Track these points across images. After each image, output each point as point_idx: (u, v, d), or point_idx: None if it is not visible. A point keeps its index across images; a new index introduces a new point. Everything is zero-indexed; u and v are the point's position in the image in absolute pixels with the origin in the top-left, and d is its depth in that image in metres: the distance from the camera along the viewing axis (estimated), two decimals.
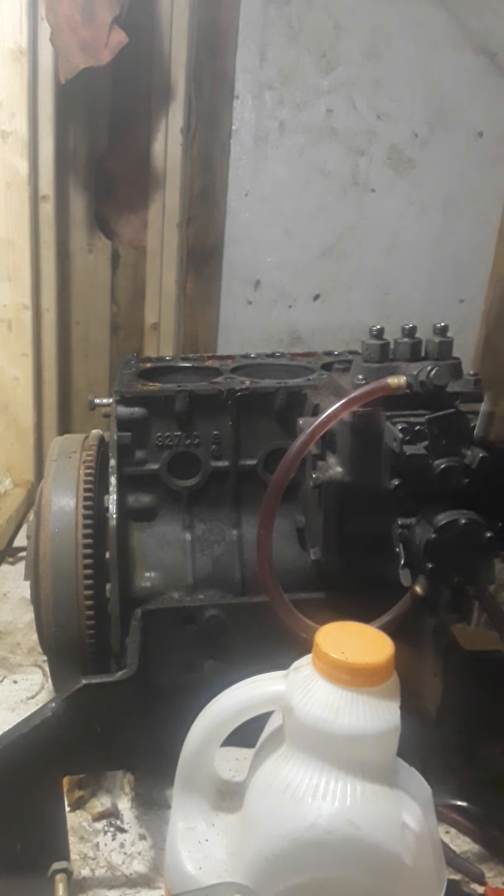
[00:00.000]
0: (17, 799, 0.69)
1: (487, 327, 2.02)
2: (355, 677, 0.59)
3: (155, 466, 0.92)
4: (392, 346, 0.78)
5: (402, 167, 1.94)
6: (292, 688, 0.61)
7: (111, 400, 0.96)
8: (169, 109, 1.70)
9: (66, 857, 0.72)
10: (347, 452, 0.77)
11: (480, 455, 0.72)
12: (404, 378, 0.73)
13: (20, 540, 1.50)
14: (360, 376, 0.76)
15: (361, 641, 0.61)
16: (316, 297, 2.00)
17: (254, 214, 1.91)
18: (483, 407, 0.72)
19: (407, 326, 0.79)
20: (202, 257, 1.87)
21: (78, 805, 0.85)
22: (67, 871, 0.70)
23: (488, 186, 1.97)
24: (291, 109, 1.87)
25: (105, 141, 1.73)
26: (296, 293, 1.99)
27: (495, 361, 1.93)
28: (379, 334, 0.78)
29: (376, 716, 0.58)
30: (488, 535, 0.72)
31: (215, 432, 0.92)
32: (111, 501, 0.87)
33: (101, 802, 0.86)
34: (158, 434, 0.92)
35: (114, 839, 0.82)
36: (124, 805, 0.86)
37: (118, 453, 0.90)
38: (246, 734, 0.66)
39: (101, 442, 0.98)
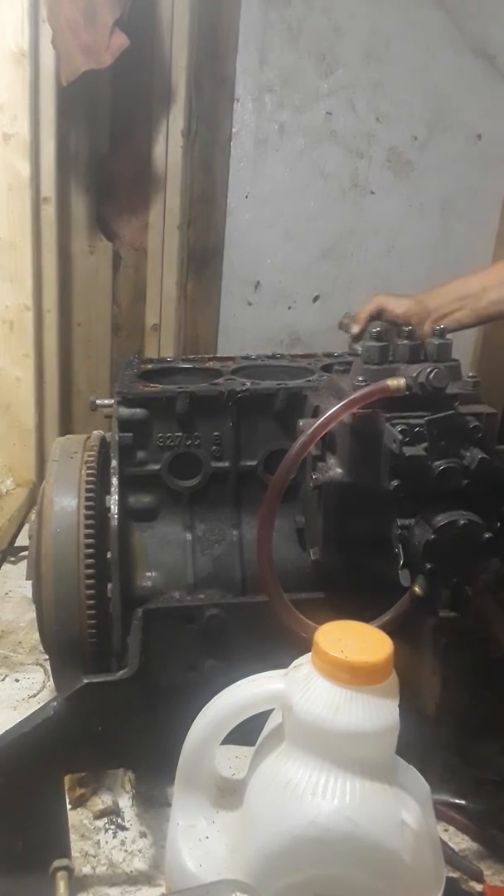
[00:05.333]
0: (19, 797, 0.69)
1: (485, 329, 2.03)
2: (355, 676, 0.59)
3: (156, 467, 0.93)
4: (392, 348, 0.79)
5: (401, 169, 1.95)
6: (292, 686, 0.62)
7: (112, 401, 0.96)
8: (170, 112, 1.70)
9: (68, 855, 0.72)
10: (347, 454, 0.77)
11: (479, 456, 0.73)
12: (404, 380, 0.73)
13: (22, 539, 1.50)
14: (360, 378, 0.77)
15: (361, 640, 0.62)
16: (315, 299, 2.01)
17: (254, 216, 1.92)
18: None
19: (406, 328, 0.80)
20: (203, 259, 1.88)
21: (79, 803, 0.86)
22: (68, 869, 0.71)
23: (487, 188, 1.98)
24: (291, 112, 1.88)
25: (106, 143, 1.73)
26: (295, 294, 2.00)
27: (493, 363, 1.93)
28: (379, 336, 0.79)
29: (375, 714, 0.59)
30: (487, 535, 0.73)
31: (216, 433, 0.93)
32: (113, 502, 0.88)
33: (102, 800, 0.87)
34: (159, 435, 0.92)
35: (115, 837, 0.82)
36: (125, 803, 0.86)
37: (119, 454, 0.90)
38: (246, 732, 0.66)
39: (103, 443, 0.99)
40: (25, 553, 1.40)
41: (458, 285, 1.14)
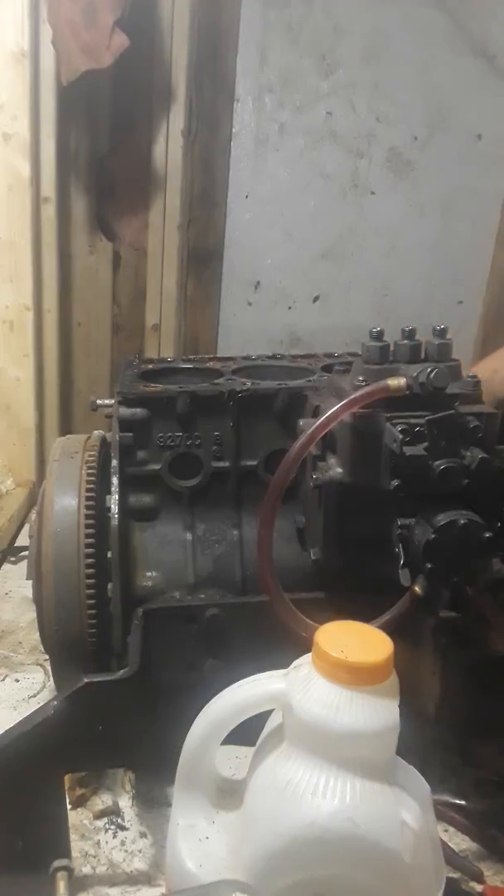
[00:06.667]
0: (19, 797, 0.69)
1: (486, 329, 2.03)
2: (355, 676, 0.59)
3: (156, 467, 0.93)
4: (392, 347, 0.79)
5: (401, 169, 1.95)
6: (292, 686, 0.62)
7: (113, 401, 0.96)
8: (170, 112, 1.70)
9: (68, 855, 0.72)
10: (347, 453, 0.77)
11: (480, 456, 0.73)
12: (404, 380, 0.73)
13: (22, 539, 1.50)
14: (361, 378, 0.77)
15: (361, 641, 0.62)
16: (315, 299, 2.01)
17: (254, 216, 1.92)
18: None
19: (406, 328, 0.80)
20: (203, 259, 1.88)
21: (79, 803, 0.86)
22: (68, 869, 0.71)
23: (487, 189, 1.97)
24: (291, 112, 1.88)
25: (106, 143, 1.73)
26: (295, 294, 2.00)
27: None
28: (379, 336, 0.79)
29: (375, 714, 0.59)
30: (487, 535, 0.73)
31: (216, 433, 0.93)
32: (113, 501, 0.88)
33: (103, 800, 0.87)
34: (160, 435, 0.92)
35: (115, 837, 0.82)
36: (125, 803, 0.86)
37: (120, 453, 0.90)
38: (246, 732, 0.66)
39: (103, 442, 0.99)
40: (25, 553, 1.40)
41: None
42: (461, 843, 0.81)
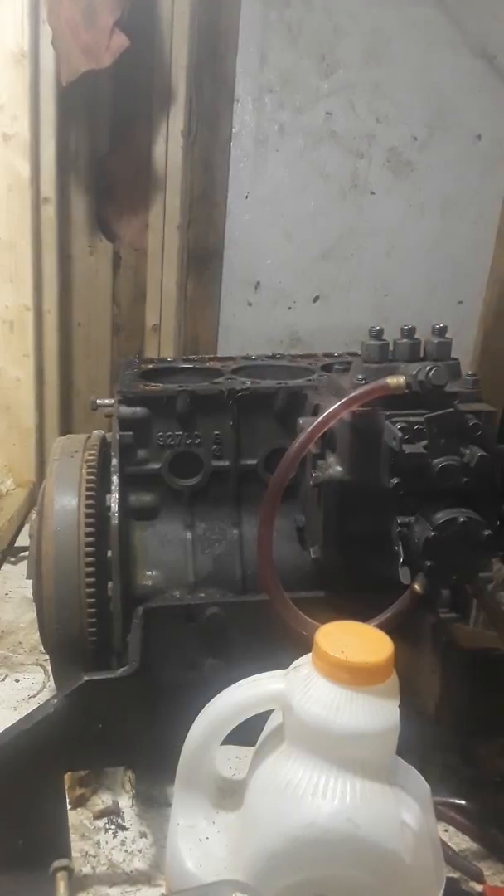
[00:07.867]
0: (19, 796, 0.69)
1: (486, 329, 2.03)
2: (355, 676, 0.59)
3: (156, 466, 0.92)
4: (391, 346, 0.79)
5: (401, 170, 1.95)
6: (292, 686, 0.61)
7: (113, 400, 0.96)
8: (170, 112, 1.70)
9: (68, 855, 0.72)
10: (347, 451, 0.77)
11: (479, 454, 0.73)
12: (403, 378, 0.73)
13: (22, 540, 1.50)
14: (360, 376, 0.77)
15: (361, 641, 0.62)
16: (315, 299, 2.01)
17: (254, 217, 1.92)
18: None
19: (406, 327, 0.80)
20: (202, 259, 1.88)
21: (79, 803, 0.85)
22: (69, 869, 0.71)
23: (487, 189, 1.97)
24: (291, 112, 1.88)
25: (106, 143, 1.73)
26: (295, 295, 2.00)
27: (493, 362, 1.93)
28: (378, 335, 0.79)
29: (376, 715, 0.59)
30: (486, 533, 0.73)
31: (216, 432, 0.93)
32: (113, 500, 0.88)
33: (102, 800, 0.86)
34: (160, 434, 0.92)
35: (115, 837, 0.82)
36: (125, 803, 0.86)
37: (120, 453, 0.90)
38: (246, 732, 0.66)
39: (103, 442, 0.99)
40: (25, 553, 1.40)
41: None
42: (461, 843, 0.81)
